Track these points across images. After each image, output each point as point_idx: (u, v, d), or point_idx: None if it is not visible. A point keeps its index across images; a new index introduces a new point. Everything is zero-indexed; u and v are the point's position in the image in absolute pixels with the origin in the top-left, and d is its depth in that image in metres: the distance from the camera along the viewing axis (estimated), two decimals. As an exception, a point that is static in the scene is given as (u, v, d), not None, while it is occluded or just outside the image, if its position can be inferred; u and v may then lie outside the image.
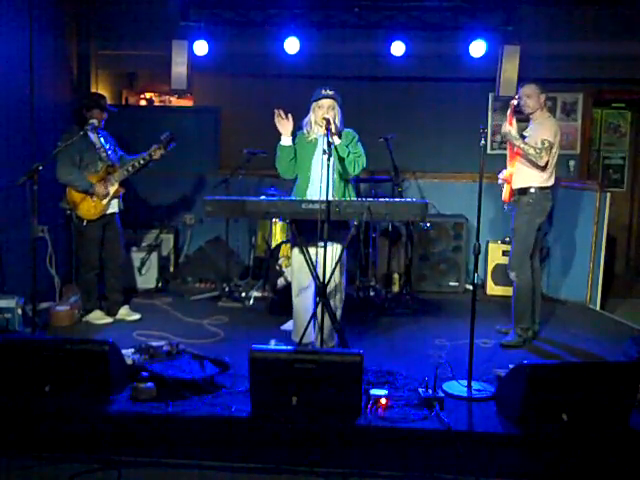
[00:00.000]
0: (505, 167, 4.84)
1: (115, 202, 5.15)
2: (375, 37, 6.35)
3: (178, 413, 3.31)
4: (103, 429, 3.29)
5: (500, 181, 4.85)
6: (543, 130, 4.57)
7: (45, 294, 5.34)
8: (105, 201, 5.05)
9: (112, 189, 5.07)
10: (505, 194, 4.80)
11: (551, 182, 4.67)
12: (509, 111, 4.69)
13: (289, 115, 4.20)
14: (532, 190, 4.63)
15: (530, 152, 4.49)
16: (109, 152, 5.14)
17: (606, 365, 3.68)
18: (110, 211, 5.12)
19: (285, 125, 4.18)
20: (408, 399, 3.53)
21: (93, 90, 6.70)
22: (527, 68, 6.08)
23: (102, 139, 5.13)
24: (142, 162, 5.09)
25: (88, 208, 5.00)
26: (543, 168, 4.56)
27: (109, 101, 7.03)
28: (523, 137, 4.65)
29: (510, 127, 4.60)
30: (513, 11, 6.18)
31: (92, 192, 4.97)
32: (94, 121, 4.80)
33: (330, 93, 4.19)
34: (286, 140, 4.22)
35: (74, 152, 4.89)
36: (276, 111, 4.18)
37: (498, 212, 6.68)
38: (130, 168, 5.08)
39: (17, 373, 3.43)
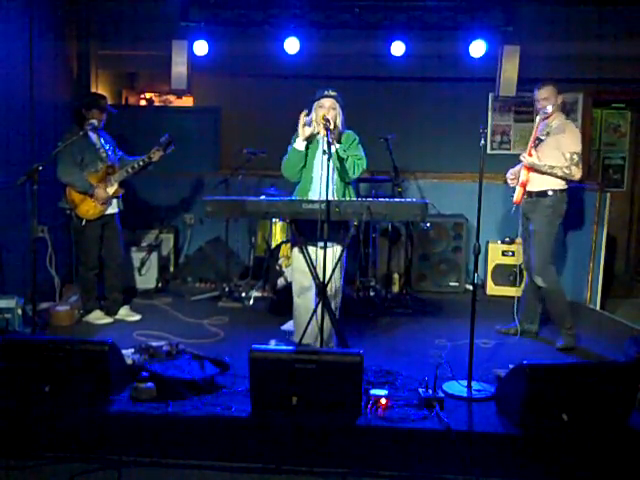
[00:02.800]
0: (511, 166, 4.76)
1: (115, 202, 5.16)
2: (375, 37, 6.35)
3: (178, 413, 3.31)
4: (103, 429, 3.29)
5: (511, 182, 4.78)
6: (569, 140, 4.48)
7: (45, 294, 5.35)
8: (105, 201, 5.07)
9: (112, 190, 5.08)
10: (517, 196, 4.70)
11: (578, 178, 4.60)
12: (531, 142, 4.58)
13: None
14: (550, 193, 4.58)
15: (559, 174, 4.46)
16: (109, 152, 5.14)
17: (606, 365, 3.68)
18: (109, 211, 5.13)
19: (307, 129, 4.11)
20: (408, 399, 3.53)
21: (93, 90, 6.69)
22: (527, 68, 6.09)
23: (102, 139, 5.14)
24: (141, 164, 5.11)
25: (87, 208, 5.00)
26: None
27: (109, 101, 7.06)
28: (539, 141, 4.55)
29: (531, 157, 4.52)
30: (513, 11, 6.19)
31: (92, 194, 4.98)
32: (94, 121, 4.81)
33: (332, 93, 4.19)
34: (301, 144, 4.13)
35: (75, 152, 4.90)
36: (303, 113, 4.11)
37: (498, 212, 6.70)
38: (130, 169, 5.09)
39: (17, 373, 3.43)
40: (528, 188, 4.66)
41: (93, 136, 5.05)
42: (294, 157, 4.17)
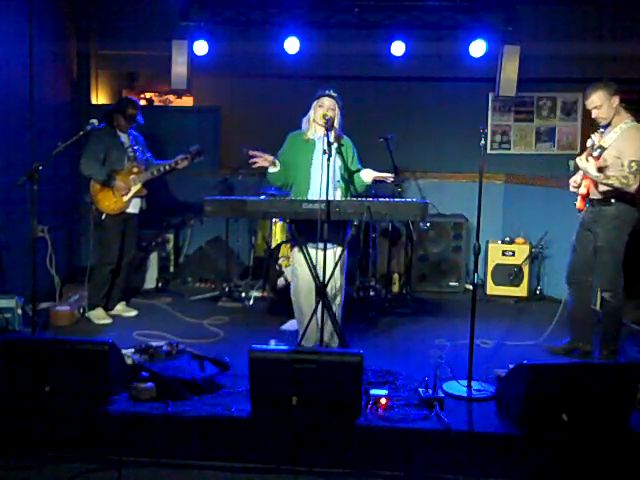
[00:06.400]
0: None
1: (137, 202, 5.23)
2: (375, 37, 6.34)
3: (178, 413, 3.31)
4: (103, 429, 3.29)
5: (572, 188, 4.33)
6: (630, 146, 3.95)
7: (45, 294, 5.35)
8: (126, 198, 5.13)
9: (135, 188, 5.16)
10: (579, 203, 4.29)
11: (634, 189, 4.00)
12: (589, 145, 4.14)
13: (258, 153, 4.18)
14: (613, 200, 4.08)
15: (616, 185, 3.93)
16: (137, 153, 5.24)
17: (606, 365, 3.68)
18: (131, 210, 5.20)
19: (264, 161, 4.18)
20: (408, 399, 3.53)
21: (93, 90, 6.71)
22: (527, 68, 6.09)
23: (132, 139, 5.24)
24: (167, 168, 5.22)
25: (108, 203, 5.07)
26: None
27: (109, 100, 7.07)
28: (602, 149, 4.02)
29: (587, 164, 4.00)
30: (513, 11, 6.18)
31: (112, 185, 5.04)
32: (94, 121, 4.80)
33: (333, 94, 4.22)
34: (272, 169, 4.24)
35: (100, 148, 5.03)
36: (250, 153, 4.17)
37: (498, 212, 6.70)
38: (155, 172, 5.19)
39: (17, 373, 3.43)
40: (591, 196, 4.20)
41: (123, 136, 5.17)
42: (272, 177, 4.28)
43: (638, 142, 3.97)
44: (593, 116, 4.17)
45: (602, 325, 4.33)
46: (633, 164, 3.91)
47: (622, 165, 3.96)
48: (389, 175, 4.26)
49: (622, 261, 4.21)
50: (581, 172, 4.25)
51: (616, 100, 4.09)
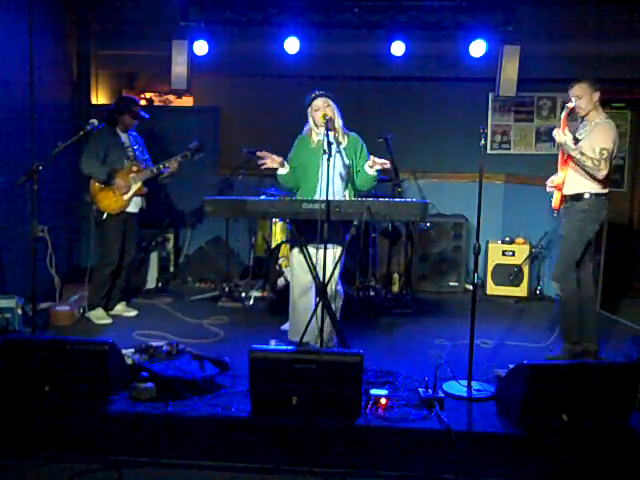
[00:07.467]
0: (555, 171, 4.41)
1: (137, 201, 5.23)
2: (375, 37, 6.34)
3: (178, 413, 3.31)
4: (103, 429, 3.29)
5: (549, 188, 4.46)
6: (600, 136, 4.17)
7: (45, 294, 5.35)
8: (126, 197, 5.13)
9: (135, 187, 5.16)
10: (555, 201, 4.38)
11: (607, 189, 4.25)
12: (563, 116, 4.26)
13: (267, 154, 4.15)
14: (587, 196, 4.23)
15: (587, 164, 4.11)
16: (137, 152, 5.26)
17: (606, 365, 3.68)
18: (131, 210, 5.20)
19: (272, 162, 4.15)
20: (408, 399, 3.53)
21: (93, 90, 6.71)
22: (527, 68, 6.08)
23: (131, 139, 5.25)
24: (167, 166, 5.20)
25: (109, 202, 5.07)
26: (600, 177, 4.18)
27: (109, 101, 7.08)
28: (576, 141, 4.26)
29: (565, 136, 4.16)
30: (513, 11, 6.17)
31: (112, 184, 5.04)
32: (94, 121, 4.81)
33: (319, 92, 4.20)
34: (282, 170, 4.21)
35: (99, 148, 5.04)
36: (259, 154, 4.14)
37: (498, 212, 6.70)
38: (155, 169, 5.20)
39: (17, 373, 3.43)
40: (564, 191, 4.33)
41: (123, 135, 5.19)
42: (282, 179, 4.27)
43: (607, 134, 4.19)
44: (573, 105, 4.30)
45: (559, 318, 4.45)
46: (604, 151, 4.12)
47: (594, 151, 4.15)
48: (384, 161, 4.17)
49: (579, 256, 4.30)
50: (556, 174, 4.39)
51: (596, 96, 4.25)
